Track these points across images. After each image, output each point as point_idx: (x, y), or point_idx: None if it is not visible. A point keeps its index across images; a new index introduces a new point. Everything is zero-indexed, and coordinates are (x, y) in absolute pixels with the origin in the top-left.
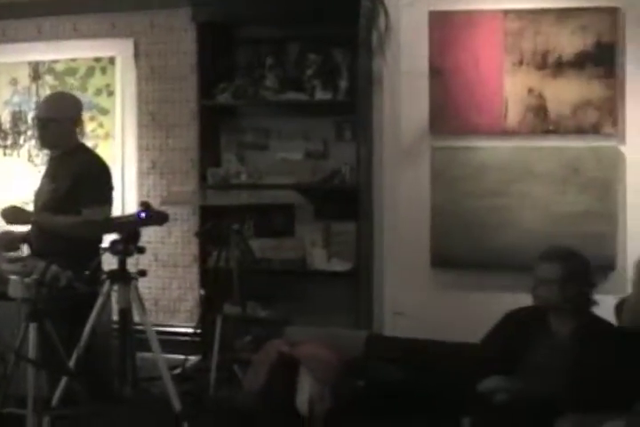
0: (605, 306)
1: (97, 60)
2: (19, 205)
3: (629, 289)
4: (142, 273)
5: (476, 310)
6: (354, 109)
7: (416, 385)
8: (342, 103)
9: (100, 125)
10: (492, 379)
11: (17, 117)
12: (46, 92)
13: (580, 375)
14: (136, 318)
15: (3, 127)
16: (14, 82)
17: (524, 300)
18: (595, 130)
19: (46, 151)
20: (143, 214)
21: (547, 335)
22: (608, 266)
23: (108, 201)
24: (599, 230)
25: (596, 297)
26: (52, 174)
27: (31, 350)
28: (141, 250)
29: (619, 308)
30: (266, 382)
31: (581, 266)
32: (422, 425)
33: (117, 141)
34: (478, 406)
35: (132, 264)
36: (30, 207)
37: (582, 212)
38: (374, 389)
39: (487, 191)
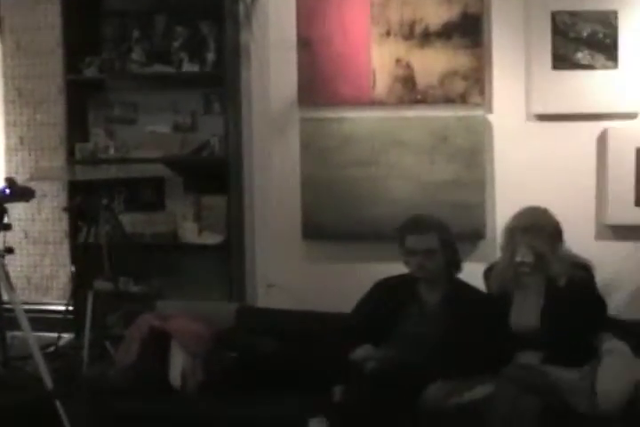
0: (476, 274)
1: None
2: None
3: (498, 256)
4: (9, 250)
5: (348, 281)
6: (222, 82)
7: (288, 356)
8: (210, 75)
9: None
10: (362, 348)
11: None
12: None
13: (449, 342)
14: (5, 297)
15: None
16: None
17: (395, 269)
18: (462, 99)
19: None
20: (7, 191)
21: (416, 304)
22: (477, 235)
23: None
24: (468, 199)
25: (467, 265)
26: None
27: None
28: (7, 227)
29: (487, 273)
30: (138, 356)
31: (447, 235)
32: (295, 396)
33: None
34: (350, 375)
35: (0, 242)
36: None
37: (451, 181)
38: (246, 361)
39: (356, 162)
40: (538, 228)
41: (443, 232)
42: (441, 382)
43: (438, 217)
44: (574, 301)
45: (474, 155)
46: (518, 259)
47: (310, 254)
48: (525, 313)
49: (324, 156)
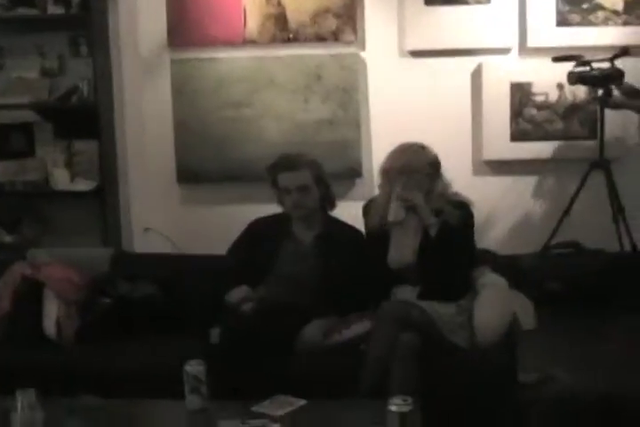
0: (354, 213)
1: None
2: None
3: (376, 194)
4: None
5: (224, 223)
6: (88, 24)
7: (165, 300)
8: (76, 18)
9: None
10: (238, 289)
11: None
12: None
13: (325, 281)
14: None
15: None
16: None
17: (271, 210)
18: (335, 37)
19: None
20: None
21: (291, 243)
22: (354, 173)
23: None
24: (344, 138)
25: (345, 204)
26: None
27: None
28: None
29: (366, 209)
30: (11, 307)
31: (319, 171)
32: (173, 340)
33: None
34: (226, 316)
35: None
36: None
37: (326, 120)
38: (122, 306)
39: (230, 103)
40: (412, 168)
41: (315, 169)
42: (318, 321)
43: (309, 154)
44: (447, 238)
45: (348, 93)
46: (392, 205)
47: (186, 198)
48: (403, 249)
49: (197, 98)
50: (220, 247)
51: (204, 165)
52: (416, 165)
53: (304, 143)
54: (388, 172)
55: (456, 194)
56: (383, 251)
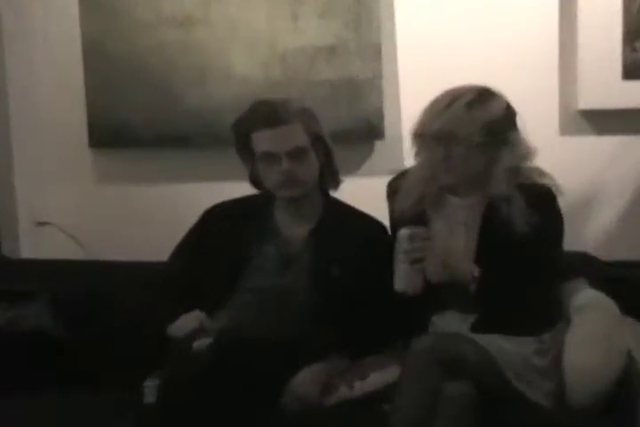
0: (371, 193)
1: None
2: None
3: (407, 164)
4: None
5: (163, 211)
6: None
7: (69, 333)
8: None
9: None
10: (186, 317)
11: None
12: None
13: (324, 302)
14: None
15: None
16: None
17: (238, 190)
18: None
19: None
20: None
21: (272, 242)
22: (372, 132)
23: None
24: (355, 76)
25: (354, 181)
26: None
27: None
28: None
29: (392, 188)
30: None
31: (317, 128)
32: (83, 396)
33: None
34: (168, 360)
35: None
36: None
37: (327, 46)
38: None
39: (172, 18)
40: (457, 135)
41: (310, 123)
42: (314, 366)
43: (300, 101)
44: (520, 238)
45: (362, 5)
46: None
47: (102, 172)
48: (449, 255)
49: (120, 10)
50: (157, 250)
51: (130, 121)
52: (465, 131)
53: (291, 84)
54: (422, 137)
55: (538, 171)
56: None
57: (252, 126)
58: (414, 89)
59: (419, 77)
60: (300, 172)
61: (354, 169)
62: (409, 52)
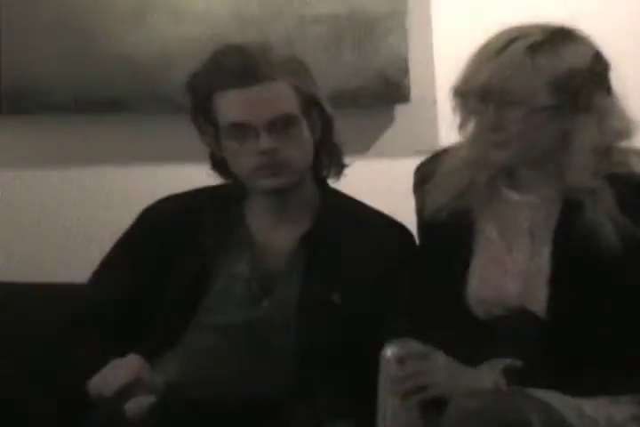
0: (391, 182)
1: None
2: None
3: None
4: None
5: (84, 208)
6: None
7: None
8: None
9: None
10: (117, 365)
11: None
12: None
13: (318, 341)
14: None
15: None
16: None
17: (195, 179)
18: None
19: None
20: None
21: (244, 254)
22: (393, 93)
23: None
24: (363, 9)
25: (369, 162)
26: None
27: None
28: None
29: (422, 177)
30: None
31: (307, 87)
32: None
33: None
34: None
35: None
36: None
37: None
38: None
39: None
40: (528, 87)
41: (302, 80)
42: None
43: (284, 47)
44: (622, 249)
45: None
46: (492, 157)
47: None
48: (509, 274)
49: None
50: (70, 267)
51: (40, 78)
52: (525, 86)
53: (272, 21)
54: (464, 97)
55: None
56: (456, 275)
57: (214, 85)
58: (454, 29)
59: (461, 12)
60: (286, 152)
61: (365, 147)
62: None
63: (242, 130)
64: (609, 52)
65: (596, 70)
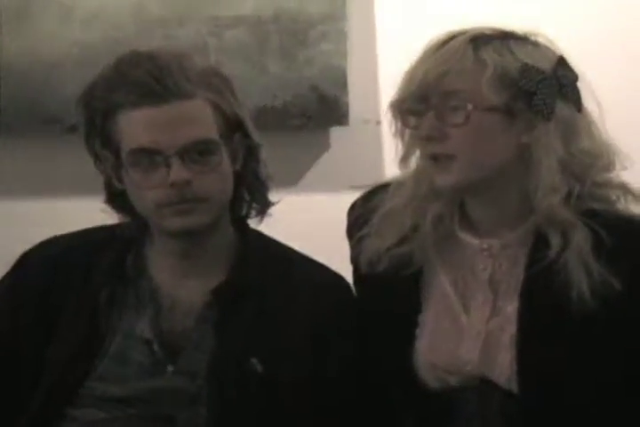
0: (329, 222)
1: None
2: None
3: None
4: None
5: None
6: None
7: None
8: None
9: None
10: None
11: None
12: None
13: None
14: None
15: None
16: None
17: (88, 218)
18: None
19: None
20: None
21: (144, 310)
22: (331, 112)
23: None
24: (299, 12)
25: (301, 197)
26: None
27: None
28: None
29: (360, 212)
30: None
31: (229, 105)
32: None
33: None
34: None
35: None
36: None
37: None
38: None
39: None
40: (471, 79)
41: (223, 97)
42: None
43: (205, 59)
44: (604, 306)
45: None
46: (436, 181)
47: None
48: (466, 336)
49: None
50: None
51: None
52: (467, 77)
53: (182, 22)
54: (401, 106)
55: (624, 190)
56: (402, 337)
57: (117, 101)
58: (402, 36)
59: (411, 13)
60: (201, 185)
61: (294, 178)
62: None
63: (149, 157)
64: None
65: (559, 77)
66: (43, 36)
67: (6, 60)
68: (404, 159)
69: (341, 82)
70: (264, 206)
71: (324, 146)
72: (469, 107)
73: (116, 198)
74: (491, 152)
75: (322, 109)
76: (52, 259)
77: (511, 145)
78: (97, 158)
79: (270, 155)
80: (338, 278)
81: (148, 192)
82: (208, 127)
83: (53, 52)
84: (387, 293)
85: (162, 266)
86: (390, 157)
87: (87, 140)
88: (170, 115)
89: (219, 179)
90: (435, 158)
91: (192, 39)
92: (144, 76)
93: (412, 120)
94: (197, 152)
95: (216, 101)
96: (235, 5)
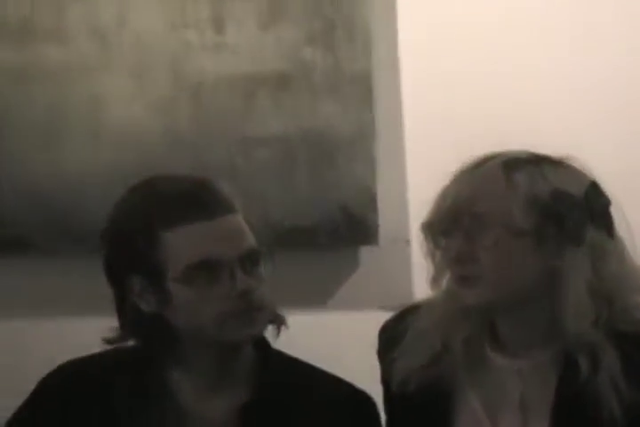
0: (356, 342)
1: None
2: None
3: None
4: None
5: None
6: None
7: None
8: None
9: None
10: None
11: None
12: None
13: None
14: None
15: None
16: None
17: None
18: None
19: None
20: None
21: None
22: (359, 232)
23: None
24: (323, 133)
25: (315, 314)
26: None
27: None
28: None
29: (390, 333)
30: None
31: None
32: None
33: None
34: None
35: None
36: None
37: (273, 74)
38: None
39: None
40: (502, 204)
41: (244, 212)
42: None
43: (220, 183)
44: None
45: (339, 6)
46: (464, 298)
47: None
48: None
49: None
50: None
51: None
52: (499, 202)
53: (210, 143)
54: (432, 228)
55: None
56: None
57: (163, 218)
58: (431, 157)
59: (441, 136)
60: (261, 293)
61: (323, 297)
62: (422, 89)
63: (209, 270)
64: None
65: (591, 203)
66: (71, 157)
67: (35, 179)
68: (435, 280)
69: (371, 202)
70: (280, 323)
71: (354, 265)
72: (499, 230)
73: (139, 323)
74: (519, 275)
75: (351, 229)
76: (77, 379)
77: (540, 268)
78: (119, 285)
79: (300, 274)
80: (363, 396)
81: (207, 306)
82: (253, 238)
83: (82, 173)
84: (417, 413)
85: (186, 385)
86: (419, 276)
87: (110, 267)
88: (223, 227)
89: (266, 288)
90: (464, 279)
91: (221, 159)
92: (190, 192)
93: (443, 241)
94: (250, 262)
95: (245, 218)
96: (263, 126)
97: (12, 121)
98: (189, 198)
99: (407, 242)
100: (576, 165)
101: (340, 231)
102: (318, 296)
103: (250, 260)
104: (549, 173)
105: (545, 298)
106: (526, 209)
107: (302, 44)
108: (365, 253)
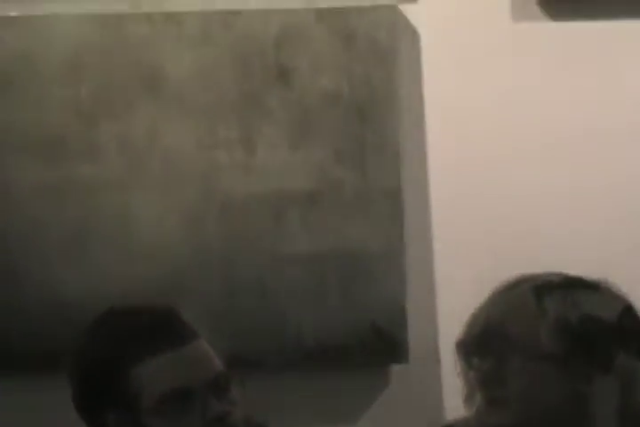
0: None
1: None
2: None
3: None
4: None
5: None
6: None
7: None
8: None
9: None
10: None
11: None
12: None
13: None
14: None
15: None
16: None
17: None
18: None
19: None
20: None
21: None
22: (389, 349)
23: None
24: (357, 242)
25: None
26: None
27: None
28: None
29: None
30: None
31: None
32: None
33: None
34: None
35: None
36: None
37: (305, 191)
38: None
39: (39, 138)
40: (530, 331)
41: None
42: None
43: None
44: None
45: (367, 122)
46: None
47: None
48: None
49: None
50: None
51: None
52: (527, 329)
53: (242, 258)
54: (464, 349)
55: None
56: None
57: (133, 354)
58: (462, 270)
59: (469, 248)
60: (236, 415)
61: (353, 416)
62: (450, 204)
63: (181, 399)
64: None
65: (623, 328)
66: (101, 272)
67: (65, 294)
68: (467, 399)
69: (401, 320)
70: None
71: (384, 383)
72: (527, 354)
73: None
74: (546, 399)
75: (381, 347)
76: None
77: (567, 393)
78: (94, 421)
79: (329, 392)
80: None
81: None
82: (220, 362)
83: (112, 288)
84: None
85: None
86: (449, 395)
87: (82, 404)
88: (191, 355)
89: (238, 411)
90: (492, 400)
91: (250, 277)
92: (154, 325)
93: (475, 362)
94: (221, 387)
95: (207, 340)
96: (293, 243)
97: (43, 237)
98: (155, 331)
99: (437, 361)
100: (611, 288)
101: (370, 349)
102: (348, 415)
103: (220, 384)
104: (581, 297)
105: (573, 422)
106: (555, 334)
107: (332, 161)
108: (395, 371)
